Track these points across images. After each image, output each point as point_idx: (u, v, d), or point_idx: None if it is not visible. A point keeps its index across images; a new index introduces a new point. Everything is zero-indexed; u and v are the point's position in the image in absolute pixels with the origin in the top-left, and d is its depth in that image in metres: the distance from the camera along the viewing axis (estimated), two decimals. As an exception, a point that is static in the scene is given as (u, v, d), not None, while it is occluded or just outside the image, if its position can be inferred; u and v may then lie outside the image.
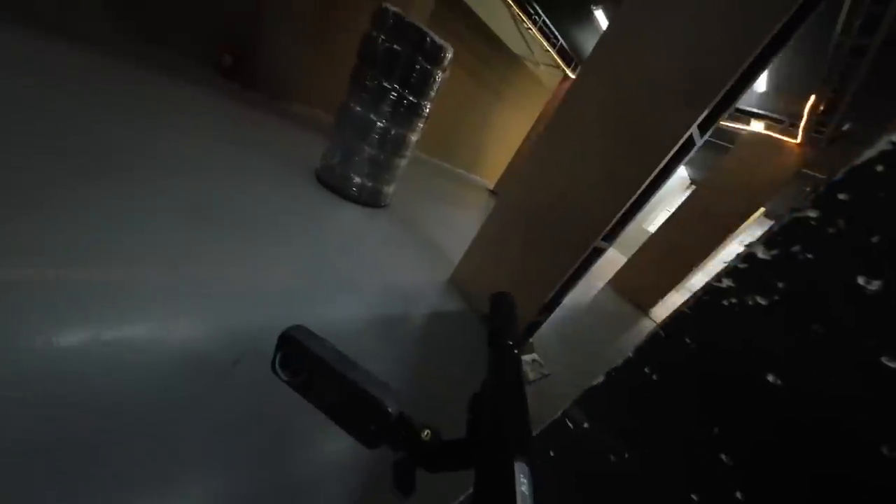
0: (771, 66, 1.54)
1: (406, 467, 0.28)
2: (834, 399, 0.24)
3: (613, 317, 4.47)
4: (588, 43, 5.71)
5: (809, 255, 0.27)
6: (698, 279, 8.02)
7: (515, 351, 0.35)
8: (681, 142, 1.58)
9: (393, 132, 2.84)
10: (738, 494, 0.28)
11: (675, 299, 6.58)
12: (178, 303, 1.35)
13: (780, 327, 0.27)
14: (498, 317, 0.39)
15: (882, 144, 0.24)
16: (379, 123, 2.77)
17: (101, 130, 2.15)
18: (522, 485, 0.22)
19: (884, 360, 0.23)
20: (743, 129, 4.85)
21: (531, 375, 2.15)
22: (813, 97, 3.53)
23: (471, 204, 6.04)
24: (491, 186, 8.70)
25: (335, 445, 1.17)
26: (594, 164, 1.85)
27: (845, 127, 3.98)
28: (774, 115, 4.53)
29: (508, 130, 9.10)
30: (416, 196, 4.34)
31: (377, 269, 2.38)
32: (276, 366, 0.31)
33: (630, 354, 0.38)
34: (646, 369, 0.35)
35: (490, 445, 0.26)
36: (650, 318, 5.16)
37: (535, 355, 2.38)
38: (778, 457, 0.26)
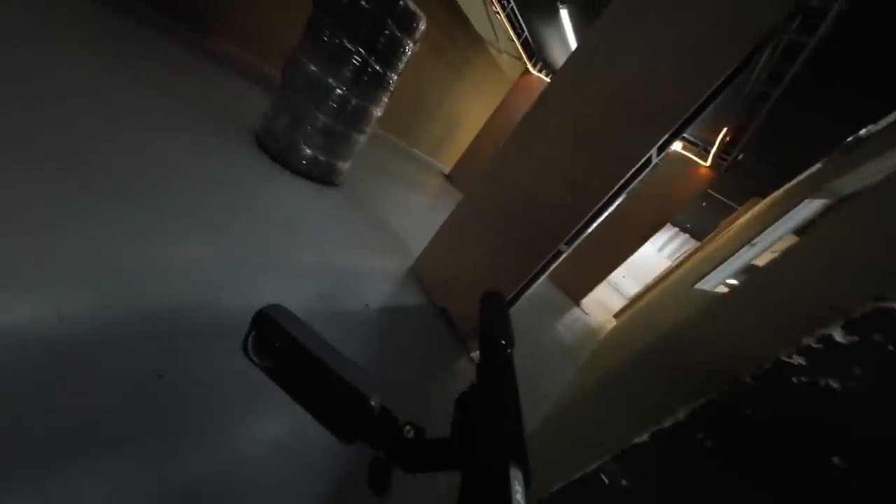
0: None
1: (382, 466, 0.27)
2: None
3: (551, 306, 4.89)
4: (551, 41, 5.83)
5: (892, 347, 0.28)
6: (616, 273, 9.27)
7: (509, 351, 0.34)
8: (642, 160, 1.70)
9: (354, 102, 2.54)
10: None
11: (598, 293, 7.47)
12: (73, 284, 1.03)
13: (854, 414, 0.28)
14: (490, 316, 0.37)
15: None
16: (338, 90, 2.44)
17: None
18: (517, 492, 0.21)
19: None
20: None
21: (485, 368, 2.22)
22: (725, 129, 4.18)
23: (427, 188, 5.89)
24: (446, 171, 8.58)
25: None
26: (562, 172, 1.90)
27: (739, 157, 4.84)
28: (692, 139, 5.27)
29: (467, 114, 8.98)
30: (371, 175, 4.04)
31: (327, 253, 2.16)
32: (249, 347, 0.28)
33: (681, 417, 0.37)
34: (699, 434, 0.35)
35: (483, 448, 0.25)
36: (581, 309, 5.78)
37: (488, 348, 2.47)
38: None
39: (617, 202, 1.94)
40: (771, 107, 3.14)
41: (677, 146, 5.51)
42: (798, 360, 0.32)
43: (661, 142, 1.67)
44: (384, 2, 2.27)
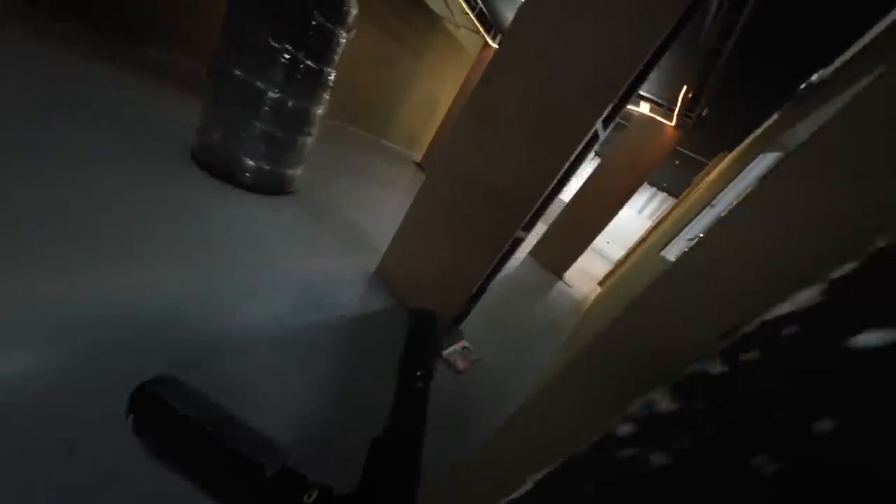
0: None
1: None
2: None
3: (533, 286, 4.91)
4: (507, 9, 5.56)
5: (711, 418, 0.23)
6: (600, 240, 9.40)
7: (421, 385, 0.35)
8: (588, 136, 1.64)
9: (290, 104, 2.37)
10: None
11: (583, 262, 7.57)
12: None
13: (680, 492, 0.24)
14: (411, 342, 0.36)
15: (801, 300, 0.20)
16: (271, 93, 2.26)
17: None
18: None
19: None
20: (634, 110, 5.49)
21: (461, 364, 2.21)
22: (685, 87, 4.12)
23: (396, 179, 5.72)
24: (417, 159, 8.37)
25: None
26: (510, 155, 1.83)
27: (703, 113, 4.81)
28: (657, 99, 5.20)
29: (433, 96, 8.67)
30: (329, 175, 3.87)
31: (286, 268, 2.07)
32: (130, 430, 0.29)
33: (530, 486, 0.32)
34: (546, 506, 0.31)
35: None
36: (564, 282, 5.84)
37: (464, 342, 2.44)
38: None
39: (572, 181, 1.89)
40: (725, 62, 3.07)
41: (644, 108, 5.45)
42: (626, 429, 0.28)
43: (604, 115, 1.60)
44: (304, -11, 2.08)
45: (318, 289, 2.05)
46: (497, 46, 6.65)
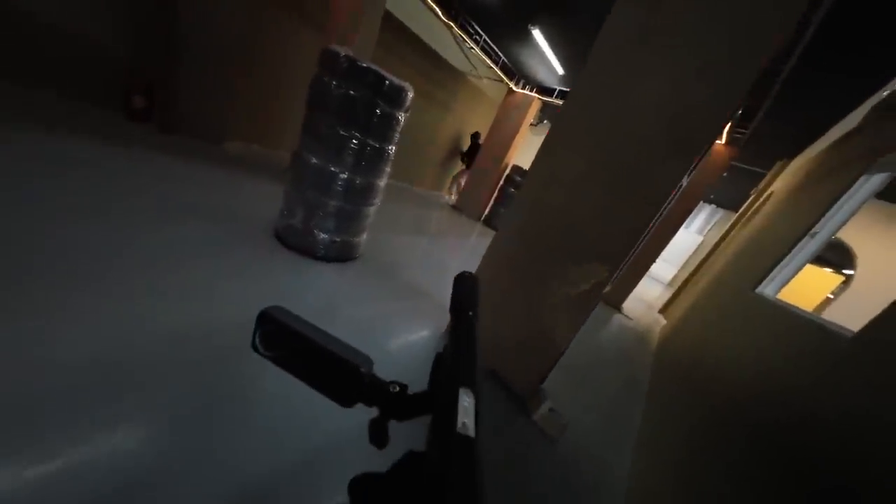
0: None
1: (379, 424, 0.32)
2: None
3: (591, 321, 4.61)
4: (530, 59, 5.89)
5: None
6: (656, 267, 8.78)
7: (471, 313, 0.42)
8: (676, 191, 1.58)
9: (358, 181, 2.58)
10: None
11: (640, 289, 7.08)
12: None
13: None
14: (460, 293, 0.45)
15: None
16: (342, 175, 2.49)
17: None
18: (465, 401, 0.28)
19: None
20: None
21: (553, 432, 2.04)
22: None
23: (437, 228, 5.88)
24: (452, 202, 8.63)
25: None
26: (590, 215, 1.80)
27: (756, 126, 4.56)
28: (699, 119, 5.05)
29: (459, 142, 9.11)
30: (384, 232, 4.06)
31: (352, 338, 2.11)
32: (257, 343, 0.34)
33: None
34: None
35: (444, 381, 0.31)
36: (623, 315, 5.47)
37: (549, 403, 2.28)
38: None
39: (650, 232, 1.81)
40: (784, 78, 2.95)
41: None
42: None
43: (691, 168, 1.55)
44: (372, 86, 2.34)
45: (386, 360, 2.03)
46: (520, 90, 6.96)
